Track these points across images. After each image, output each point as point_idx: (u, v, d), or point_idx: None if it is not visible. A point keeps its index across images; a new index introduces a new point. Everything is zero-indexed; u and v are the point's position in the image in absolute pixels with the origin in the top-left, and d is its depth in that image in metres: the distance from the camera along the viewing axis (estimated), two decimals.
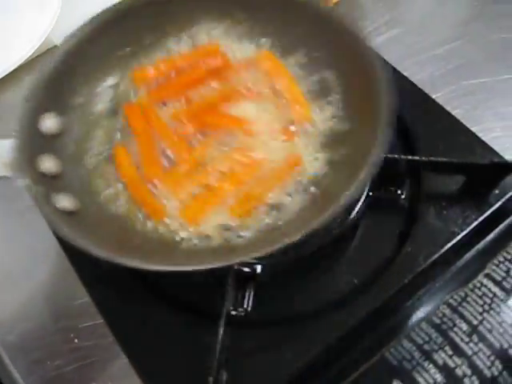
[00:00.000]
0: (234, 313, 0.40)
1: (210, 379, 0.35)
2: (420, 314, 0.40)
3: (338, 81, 0.46)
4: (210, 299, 0.41)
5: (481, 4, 0.76)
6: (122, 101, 0.48)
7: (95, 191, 0.44)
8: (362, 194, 0.43)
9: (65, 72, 0.45)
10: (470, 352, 0.37)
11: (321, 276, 0.44)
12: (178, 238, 0.41)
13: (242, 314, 0.40)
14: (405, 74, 0.51)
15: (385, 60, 0.45)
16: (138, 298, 0.45)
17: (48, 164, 0.42)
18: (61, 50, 0.46)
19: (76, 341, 0.52)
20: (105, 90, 0.48)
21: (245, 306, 0.41)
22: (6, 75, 0.69)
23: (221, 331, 0.38)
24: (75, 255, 0.49)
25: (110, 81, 0.49)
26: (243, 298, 0.41)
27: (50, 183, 0.40)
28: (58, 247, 0.56)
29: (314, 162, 0.43)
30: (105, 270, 0.45)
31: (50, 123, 0.43)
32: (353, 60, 0.43)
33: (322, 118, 0.46)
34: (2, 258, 0.58)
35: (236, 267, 0.40)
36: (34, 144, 0.41)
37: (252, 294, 0.41)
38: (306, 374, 0.38)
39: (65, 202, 0.40)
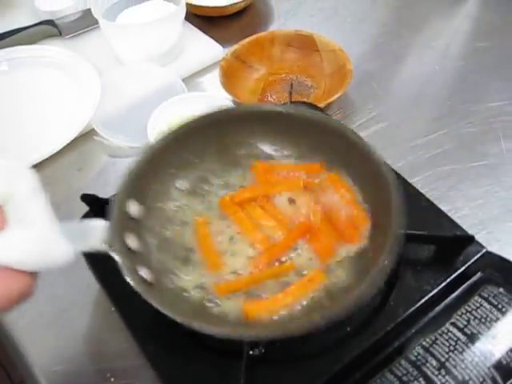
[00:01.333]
0: (251, 353, 0.50)
1: None
2: (400, 353, 0.49)
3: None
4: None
5: (453, 103, 0.88)
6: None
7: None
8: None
9: (146, 171, 0.54)
10: (438, 382, 0.47)
11: None
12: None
13: (259, 353, 0.50)
14: (388, 161, 0.62)
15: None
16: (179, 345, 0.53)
17: (132, 242, 0.49)
18: (145, 154, 0.55)
19: (112, 380, 0.58)
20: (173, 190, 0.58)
21: (260, 348, 0.51)
22: None
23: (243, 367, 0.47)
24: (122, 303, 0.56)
25: (178, 184, 0.59)
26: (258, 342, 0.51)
27: (135, 257, 0.48)
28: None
29: None
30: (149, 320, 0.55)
31: (133, 208, 0.52)
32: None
33: None
34: (45, 308, 0.64)
35: None
36: (123, 224, 0.49)
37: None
38: None
39: (145, 274, 0.48)
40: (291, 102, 0.67)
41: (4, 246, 0.39)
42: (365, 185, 0.56)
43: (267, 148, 0.61)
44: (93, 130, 0.83)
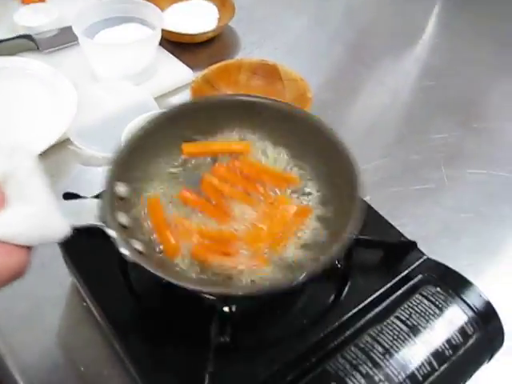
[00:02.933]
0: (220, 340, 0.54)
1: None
2: (351, 341, 0.56)
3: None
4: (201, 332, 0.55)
5: (400, 133, 0.96)
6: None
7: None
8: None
9: (130, 154, 0.58)
10: (383, 365, 0.53)
11: (280, 318, 0.59)
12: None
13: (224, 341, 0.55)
14: None
15: None
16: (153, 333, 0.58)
17: (122, 219, 0.53)
18: (130, 140, 0.59)
19: (82, 369, 0.61)
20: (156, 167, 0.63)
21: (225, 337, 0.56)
22: None
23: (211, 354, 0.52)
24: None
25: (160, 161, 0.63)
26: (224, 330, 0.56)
27: (126, 232, 0.52)
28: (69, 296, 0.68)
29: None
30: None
31: (121, 190, 0.56)
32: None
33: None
34: (18, 304, 0.66)
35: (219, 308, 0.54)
36: (113, 203, 0.53)
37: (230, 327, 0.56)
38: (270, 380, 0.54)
39: (137, 245, 0.52)
40: None
41: (4, 222, 0.40)
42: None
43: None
44: (67, 139, 0.88)
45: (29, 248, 0.41)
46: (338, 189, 0.60)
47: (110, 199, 0.53)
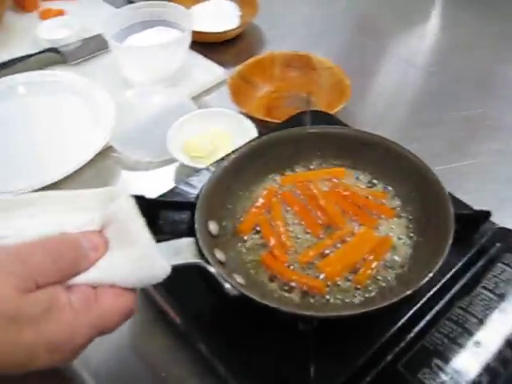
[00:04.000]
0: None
1: None
2: (443, 315, 0.56)
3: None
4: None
5: (440, 110, 0.96)
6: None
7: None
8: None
9: (215, 194, 0.61)
10: (479, 335, 0.53)
11: None
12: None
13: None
14: None
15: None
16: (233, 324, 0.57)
17: (219, 255, 0.56)
18: (213, 179, 0.62)
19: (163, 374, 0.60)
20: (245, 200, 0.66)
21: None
22: None
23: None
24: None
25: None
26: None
27: (224, 267, 0.54)
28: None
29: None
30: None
31: (213, 227, 0.59)
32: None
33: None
34: None
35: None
36: (209, 241, 0.55)
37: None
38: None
39: (238, 279, 0.54)
40: (311, 111, 0.74)
41: (110, 267, 0.42)
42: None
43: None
44: (110, 147, 0.88)
45: (134, 289, 0.43)
46: (428, 219, 0.61)
47: (205, 236, 0.55)
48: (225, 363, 0.55)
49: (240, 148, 0.66)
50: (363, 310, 0.51)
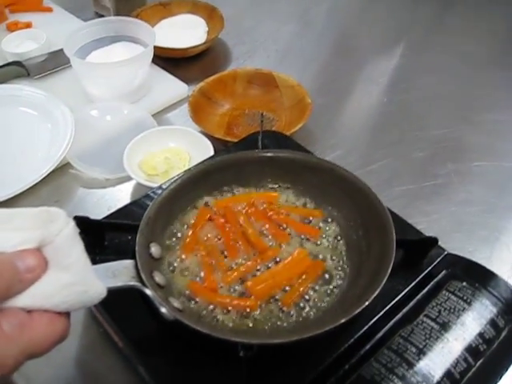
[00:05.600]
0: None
1: None
2: (382, 344, 0.55)
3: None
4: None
5: (401, 131, 0.97)
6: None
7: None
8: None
9: (159, 215, 0.60)
10: (419, 366, 0.52)
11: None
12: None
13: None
14: None
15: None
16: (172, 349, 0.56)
17: (158, 278, 0.54)
18: (156, 203, 0.61)
19: None
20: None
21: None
22: None
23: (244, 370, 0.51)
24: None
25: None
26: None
27: (162, 291, 0.53)
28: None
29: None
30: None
31: (155, 250, 0.58)
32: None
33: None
34: None
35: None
36: (149, 264, 0.55)
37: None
38: None
39: (175, 303, 0.53)
40: (263, 131, 0.73)
41: (44, 291, 0.40)
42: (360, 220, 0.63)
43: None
44: (68, 163, 0.87)
45: (68, 313, 0.42)
46: (367, 232, 0.61)
47: (145, 259, 0.54)
48: None
49: (187, 171, 0.66)
50: (294, 339, 0.49)
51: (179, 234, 0.64)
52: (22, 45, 1.08)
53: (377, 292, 0.52)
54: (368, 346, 0.55)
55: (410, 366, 0.52)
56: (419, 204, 0.82)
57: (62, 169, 0.87)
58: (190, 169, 0.67)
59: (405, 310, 0.58)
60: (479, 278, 0.60)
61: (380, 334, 0.56)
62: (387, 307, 0.58)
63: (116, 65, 0.92)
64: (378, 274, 0.54)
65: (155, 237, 0.60)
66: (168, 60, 1.08)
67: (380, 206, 0.60)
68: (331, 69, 1.14)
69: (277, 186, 0.69)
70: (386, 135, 0.96)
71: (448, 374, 0.52)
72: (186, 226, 0.65)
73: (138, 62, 0.94)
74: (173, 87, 1.02)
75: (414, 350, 0.53)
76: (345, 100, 1.05)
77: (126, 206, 0.70)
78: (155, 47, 0.98)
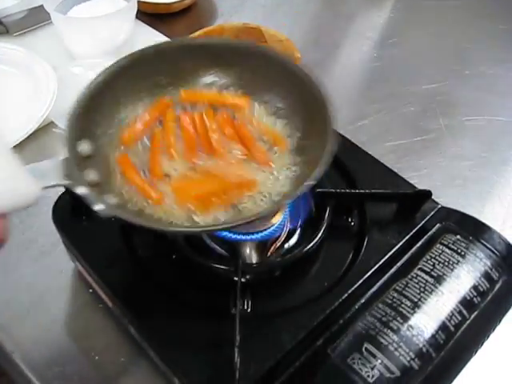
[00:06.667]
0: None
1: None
2: (377, 298, 0.54)
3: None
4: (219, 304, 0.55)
5: (392, 86, 0.96)
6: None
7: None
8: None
9: (89, 109, 0.54)
10: (414, 319, 0.52)
11: (300, 284, 0.58)
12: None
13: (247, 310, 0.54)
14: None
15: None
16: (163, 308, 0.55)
17: (92, 176, 0.50)
18: (86, 92, 0.54)
19: (97, 358, 0.59)
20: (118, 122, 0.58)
21: (245, 307, 0.55)
22: None
23: (237, 325, 0.50)
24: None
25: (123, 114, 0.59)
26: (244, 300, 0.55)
27: (97, 189, 0.49)
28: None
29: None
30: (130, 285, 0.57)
31: (84, 147, 0.52)
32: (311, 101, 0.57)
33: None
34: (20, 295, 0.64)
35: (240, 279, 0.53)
36: (77, 161, 0.49)
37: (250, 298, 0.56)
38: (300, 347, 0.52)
39: (111, 200, 0.50)
40: None
41: None
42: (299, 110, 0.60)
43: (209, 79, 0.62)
44: (51, 123, 0.84)
45: (4, 216, 0.40)
46: (311, 122, 0.58)
47: (73, 157, 0.49)
48: (155, 346, 0.54)
49: (116, 62, 0.59)
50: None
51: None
52: (0, 1, 1.04)
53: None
54: (362, 301, 0.54)
55: (405, 319, 0.52)
56: (410, 159, 0.81)
57: (46, 128, 0.85)
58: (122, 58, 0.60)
59: (399, 264, 0.57)
60: (473, 230, 0.59)
61: (374, 289, 0.55)
62: (381, 261, 0.58)
63: (99, 20, 0.89)
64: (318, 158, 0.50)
65: (87, 134, 0.53)
66: (153, 16, 1.05)
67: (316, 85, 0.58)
68: (320, 23, 1.11)
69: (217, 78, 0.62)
70: (377, 90, 0.94)
71: (442, 327, 0.52)
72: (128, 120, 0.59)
73: (121, 17, 0.91)
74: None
75: (408, 303, 0.53)
76: (334, 54, 1.03)
77: None
78: (139, 2, 0.95)
